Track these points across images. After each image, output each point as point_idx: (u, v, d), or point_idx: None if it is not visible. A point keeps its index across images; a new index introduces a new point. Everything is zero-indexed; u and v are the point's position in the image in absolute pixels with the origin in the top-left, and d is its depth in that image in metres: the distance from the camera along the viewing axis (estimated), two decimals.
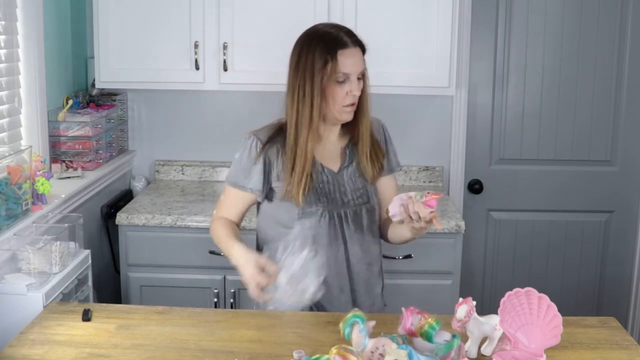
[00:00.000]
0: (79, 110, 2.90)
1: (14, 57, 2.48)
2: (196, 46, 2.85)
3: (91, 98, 3.10)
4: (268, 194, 1.95)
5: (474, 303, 1.55)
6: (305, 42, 1.87)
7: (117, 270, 2.95)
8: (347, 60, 1.83)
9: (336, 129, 1.96)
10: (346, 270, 1.95)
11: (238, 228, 2.01)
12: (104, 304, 1.92)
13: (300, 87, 1.84)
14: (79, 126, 2.81)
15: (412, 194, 1.74)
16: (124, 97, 3.22)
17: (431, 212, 1.71)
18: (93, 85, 3.09)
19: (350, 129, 1.97)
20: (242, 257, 1.80)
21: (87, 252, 2.26)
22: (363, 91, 1.90)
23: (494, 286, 3.40)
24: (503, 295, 1.55)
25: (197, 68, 2.87)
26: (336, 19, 2.82)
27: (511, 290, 1.56)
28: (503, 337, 1.56)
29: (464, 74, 3.17)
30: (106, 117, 2.99)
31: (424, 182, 3.29)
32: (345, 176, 1.95)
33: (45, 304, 1.90)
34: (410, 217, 1.72)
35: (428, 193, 1.72)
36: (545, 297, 1.56)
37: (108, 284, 2.96)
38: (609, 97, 3.26)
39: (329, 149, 1.96)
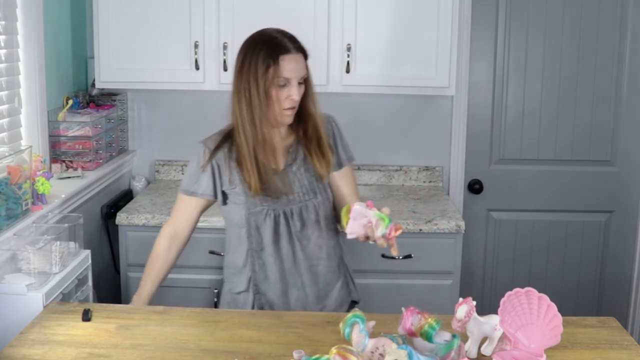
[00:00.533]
0: (79, 110, 2.90)
1: (14, 57, 2.48)
2: (196, 46, 2.85)
3: (91, 98, 3.10)
4: (223, 197, 2.03)
5: (474, 303, 1.55)
6: (249, 47, 1.93)
7: (117, 270, 2.95)
8: (288, 65, 1.89)
9: (280, 130, 2.02)
10: (293, 266, 2.00)
11: (187, 239, 2.12)
12: (104, 304, 1.92)
13: (246, 91, 1.90)
14: (79, 126, 2.81)
15: (373, 219, 1.76)
16: (124, 97, 3.22)
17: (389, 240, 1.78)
18: (93, 85, 3.09)
19: (295, 129, 2.03)
20: (139, 303, 2.05)
21: (87, 252, 2.26)
22: (306, 94, 1.97)
23: (494, 286, 3.40)
24: (503, 295, 1.55)
25: (197, 68, 2.87)
26: (336, 19, 2.83)
27: (511, 290, 1.56)
28: (503, 337, 1.56)
29: (464, 74, 3.17)
30: (106, 117, 2.99)
31: (424, 182, 3.29)
32: (290, 174, 2.00)
33: (45, 304, 1.90)
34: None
35: (391, 228, 1.75)
36: (545, 297, 1.56)
37: (108, 284, 2.96)
38: (609, 97, 3.26)
39: (275, 149, 2.01)
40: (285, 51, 1.90)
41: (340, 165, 2.08)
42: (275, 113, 1.93)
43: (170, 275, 2.73)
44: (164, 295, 2.71)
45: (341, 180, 2.08)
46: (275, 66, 1.87)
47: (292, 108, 1.94)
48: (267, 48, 1.89)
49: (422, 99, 3.21)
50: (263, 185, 1.93)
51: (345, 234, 1.80)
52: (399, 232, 1.75)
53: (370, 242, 1.81)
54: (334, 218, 2.09)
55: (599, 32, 3.19)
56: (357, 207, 1.77)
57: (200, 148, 2.01)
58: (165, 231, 2.09)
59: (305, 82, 1.96)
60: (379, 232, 1.74)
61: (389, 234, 1.75)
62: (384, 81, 2.88)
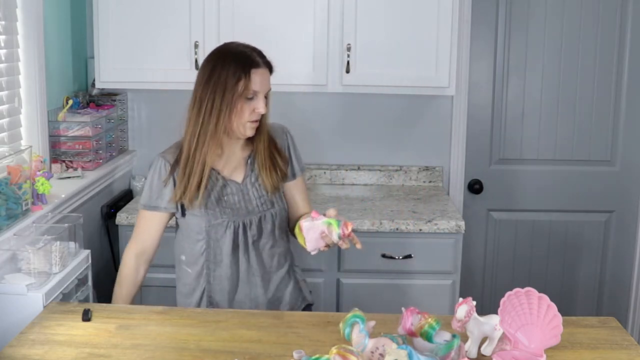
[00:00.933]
0: (79, 110, 2.90)
1: (14, 57, 2.48)
2: (196, 46, 2.85)
3: (91, 98, 3.10)
4: (182, 209, 2.02)
5: (474, 303, 1.55)
6: (219, 59, 1.95)
7: (117, 270, 2.94)
8: (257, 78, 1.92)
9: (239, 142, 2.03)
10: (247, 276, 2.02)
11: (154, 255, 2.10)
12: (104, 304, 1.92)
13: (209, 101, 1.91)
14: (79, 126, 2.81)
15: (324, 228, 1.82)
16: (124, 97, 3.22)
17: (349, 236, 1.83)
18: (93, 85, 3.09)
19: (251, 140, 2.05)
20: None
21: (87, 252, 2.26)
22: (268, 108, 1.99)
23: (494, 286, 3.40)
24: (503, 295, 1.55)
25: (197, 68, 2.86)
26: (336, 20, 2.83)
27: (511, 290, 1.56)
28: (503, 337, 1.56)
29: (464, 74, 3.17)
30: (106, 117, 2.99)
31: (424, 182, 3.29)
32: (249, 185, 2.03)
33: (45, 304, 1.90)
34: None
35: (342, 227, 1.81)
36: (545, 297, 1.56)
37: (108, 284, 2.96)
38: (609, 97, 3.26)
39: (233, 160, 2.03)
40: (256, 65, 1.93)
41: (294, 176, 2.12)
42: (233, 125, 1.94)
43: (171, 275, 2.74)
44: (164, 295, 2.71)
45: (295, 190, 2.13)
46: (246, 79, 1.90)
47: (256, 121, 1.96)
48: (237, 61, 1.92)
49: (422, 99, 3.21)
50: (182, 196, 1.94)
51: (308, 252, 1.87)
52: (351, 227, 1.82)
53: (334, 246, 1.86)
54: (288, 226, 2.13)
55: (599, 32, 3.19)
56: (306, 224, 1.84)
57: (158, 161, 2.01)
58: (131, 250, 2.07)
59: (267, 96, 1.99)
60: (335, 237, 1.81)
61: (343, 234, 1.81)
62: (384, 81, 2.88)
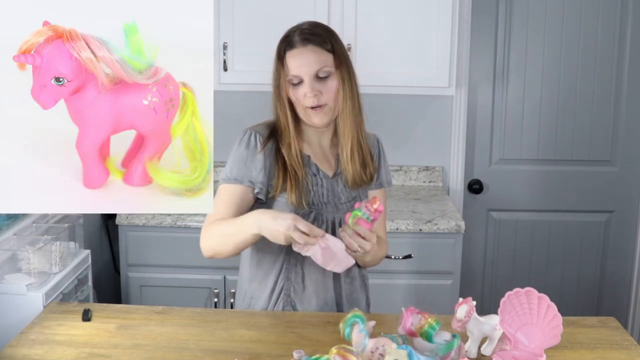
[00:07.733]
0: None
1: None
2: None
3: None
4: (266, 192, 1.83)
5: (474, 303, 1.55)
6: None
7: (117, 270, 2.95)
8: (294, 61, 1.74)
9: (327, 134, 1.88)
10: (332, 281, 1.87)
11: None
12: (104, 304, 1.92)
13: (273, 85, 1.81)
14: None
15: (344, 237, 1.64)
16: None
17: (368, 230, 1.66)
18: None
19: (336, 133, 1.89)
20: (271, 212, 1.68)
21: (87, 252, 2.26)
22: (343, 90, 1.78)
23: (494, 286, 3.41)
24: (503, 295, 1.55)
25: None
26: (336, 19, 2.82)
27: (511, 290, 1.56)
28: (503, 337, 1.56)
29: (464, 73, 3.17)
30: None
31: (424, 182, 3.29)
32: (340, 182, 1.87)
33: (45, 304, 1.90)
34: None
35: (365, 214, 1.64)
36: (545, 297, 1.56)
37: (108, 284, 2.97)
38: (609, 97, 3.26)
39: (323, 153, 1.89)
40: (290, 46, 1.75)
41: (380, 186, 1.96)
42: (300, 112, 1.78)
43: (170, 275, 2.75)
44: (164, 295, 2.72)
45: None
46: (282, 64, 1.75)
47: (318, 107, 1.75)
48: (280, 44, 1.77)
49: (422, 99, 3.21)
50: (299, 193, 1.77)
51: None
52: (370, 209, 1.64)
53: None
54: None
55: (599, 32, 3.20)
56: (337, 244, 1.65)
57: (246, 134, 1.81)
58: (210, 221, 1.80)
59: (344, 78, 1.77)
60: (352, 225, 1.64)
61: (369, 212, 1.63)
62: (384, 81, 2.88)
